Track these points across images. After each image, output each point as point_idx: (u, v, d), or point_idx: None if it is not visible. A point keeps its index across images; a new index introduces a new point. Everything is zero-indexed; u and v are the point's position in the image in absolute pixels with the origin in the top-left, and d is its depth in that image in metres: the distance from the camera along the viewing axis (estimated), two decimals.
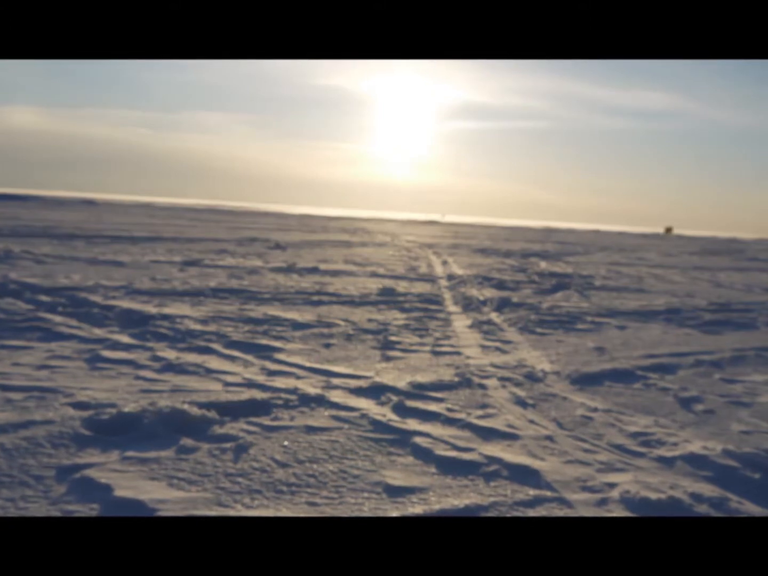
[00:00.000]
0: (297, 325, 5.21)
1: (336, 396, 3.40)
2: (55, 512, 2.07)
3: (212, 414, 2.96)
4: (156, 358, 3.95)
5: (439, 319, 5.95)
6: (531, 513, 2.26)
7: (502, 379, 3.93)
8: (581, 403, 3.54)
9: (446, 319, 5.98)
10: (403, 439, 2.86)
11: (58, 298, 5.74)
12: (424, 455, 2.71)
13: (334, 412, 3.15)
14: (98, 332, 4.60)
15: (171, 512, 2.10)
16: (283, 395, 3.33)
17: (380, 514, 2.19)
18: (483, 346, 4.87)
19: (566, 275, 10.72)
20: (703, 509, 2.34)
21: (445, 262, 12.29)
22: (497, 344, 4.96)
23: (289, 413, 3.11)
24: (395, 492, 2.36)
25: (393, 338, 4.91)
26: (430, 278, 9.32)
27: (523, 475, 2.56)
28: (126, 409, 2.89)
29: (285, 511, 2.16)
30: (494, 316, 6.23)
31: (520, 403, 3.48)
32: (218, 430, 2.83)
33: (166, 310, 5.47)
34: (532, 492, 2.41)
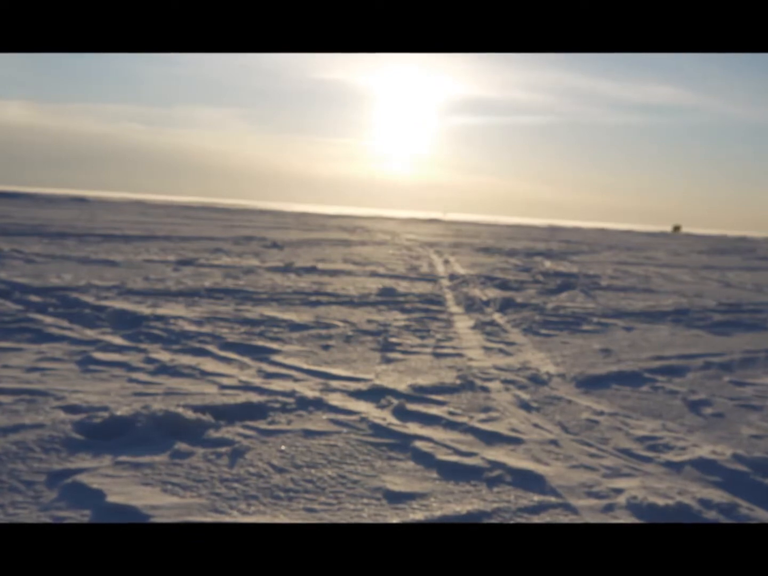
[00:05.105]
0: (294, 326, 5.16)
1: (335, 399, 3.36)
2: (45, 519, 2.05)
3: (207, 417, 2.93)
4: (149, 360, 3.91)
5: (440, 320, 5.91)
6: (535, 519, 2.23)
7: (505, 381, 3.88)
8: (587, 406, 3.50)
9: (448, 320, 5.94)
10: (403, 444, 2.83)
11: (48, 298, 5.71)
12: (426, 460, 2.68)
13: (332, 416, 3.11)
14: (90, 333, 4.56)
15: (165, 518, 2.08)
16: (280, 398, 3.29)
17: (380, 520, 2.16)
18: (486, 348, 4.82)
19: (571, 275, 10.69)
20: (712, 516, 2.31)
21: (446, 262, 12.27)
22: (500, 346, 4.91)
23: (286, 417, 3.07)
24: (395, 498, 2.33)
25: (393, 340, 4.86)
26: (432, 278, 9.29)
27: (527, 480, 2.53)
28: (119, 413, 2.85)
29: (282, 518, 2.14)
30: (497, 317, 6.18)
31: (524, 406, 3.44)
32: (213, 434, 2.80)
33: (160, 311, 5.43)
34: (536, 498, 2.38)
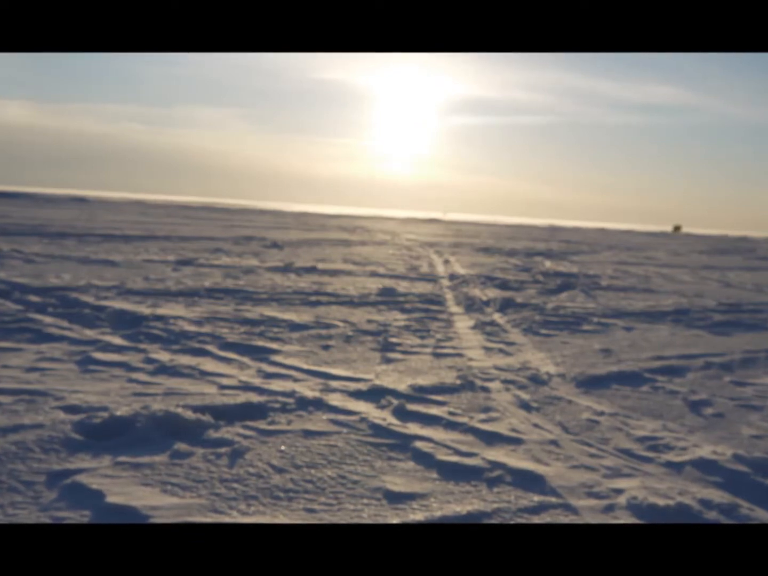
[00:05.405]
0: (294, 327, 5.15)
1: (334, 399, 3.35)
2: (45, 519, 2.04)
3: (207, 418, 2.92)
4: (149, 360, 3.90)
5: (440, 320, 5.90)
6: (535, 520, 2.22)
7: (505, 381, 3.87)
8: (587, 406, 3.49)
9: (448, 320, 5.93)
10: (403, 444, 2.82)
11: (48, 298, 5.70)
12: (426, 460, 2.67)
13: (332, 416, 3.10)
14: (90, 333, 4.54)
15: (164, 519, 2.07)
16: (280, 398, 3.28)
17: (380, 521, 2.15)
18: (486, 348, 4.81)
19: (571, 275, 10.67)
20: (712, 516, 2.30)
21: (446, 262, 12.25)
22: (500, 346, 4.90)
23: (286, 417, 3.06)
24: (396, 498, 2.32)
25: (393, 340, 4.85)
26: (432, 278, 9.28)
27: (528, 480, 2.52)
28: (118, 413, 2.84)
29: (282, 518, 2.13)
30: (497, 317, 6.17)
31: (524, 406, 3.43)
32: (213, 434, 2.79)
33: (160, 311, 5.41)
34: (536, 498, 2.37)
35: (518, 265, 12.12)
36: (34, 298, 5.61)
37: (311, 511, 2.19)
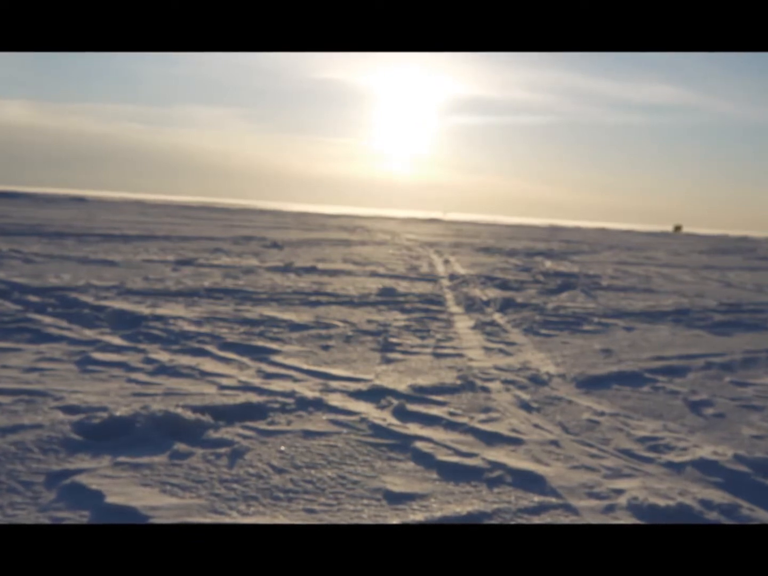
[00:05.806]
0: (294, 327, 5.15)
1: (334, 399, 3.35)
2: (44, 519, 2.04)
3: (207, 418, 2.92)
4: (149, 361, 3.90)
5: (440, 320, 5.89)
6: (536, 520, 2.22)
7: (505, 381, 3.87)
8: (587, 406, 3.49)
9: (448, 320, 5.93)
10: (403, 444, 2.81)
11: (47, 298, 5.69)
12: (426, 460, 2.67)
13: (332, 416, 3.10)
14: (89, 334, 4.54)
15: (164, 519, 2.07)
16: (279, 399, 3.28)
17: (380, 521, 2.15)
18: (486, 348, 4.81)
19: (572, 275, 10.67)
20: (713, 516, 2.30)
21: (447, 261, 12.25)
22: (501, 346, 4.90)
23: (286, 417, 3.06)
24: (396, 498, 2.32)
25: (393, 340, 4.85)
26: (432, 278, 9.27)
27: (528, 481, 2.52)
28: (118, 413, 2.84)
29: (282, 519, 2.13)
30: (497, 317, 6.17)
31: (525, 406, 3.42)
32: (213, 434, 2.79)
33: (159, 311, 5.41)
34: (536, 498, 2.37)
35: (518, 265, 12.12)
36: (33, 298, 5.61)
37: (311, 511, 2.18)
